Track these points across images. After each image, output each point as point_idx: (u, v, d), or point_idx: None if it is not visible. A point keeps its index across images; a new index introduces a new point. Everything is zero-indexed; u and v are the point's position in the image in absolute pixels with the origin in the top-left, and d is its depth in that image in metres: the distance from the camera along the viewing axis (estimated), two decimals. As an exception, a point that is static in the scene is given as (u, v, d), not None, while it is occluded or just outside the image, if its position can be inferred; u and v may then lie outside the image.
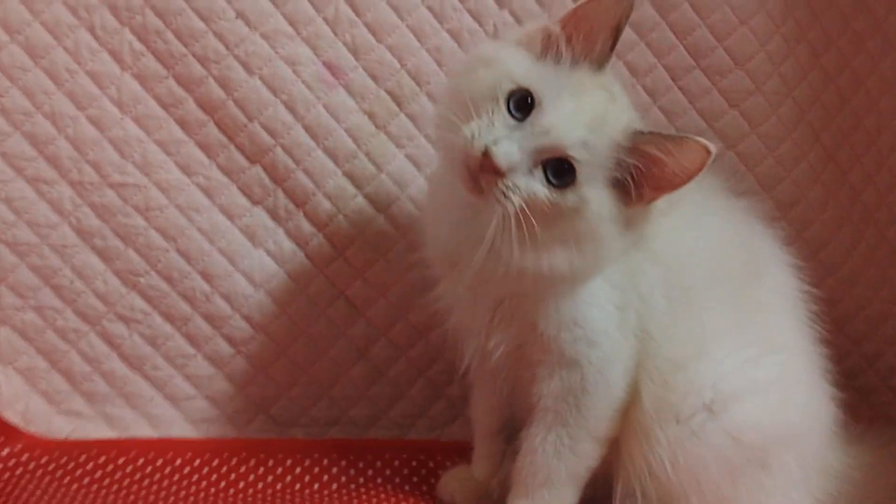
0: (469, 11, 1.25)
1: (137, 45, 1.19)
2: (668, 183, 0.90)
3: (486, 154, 0.86)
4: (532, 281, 0.93)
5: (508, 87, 0.90)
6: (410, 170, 1.25)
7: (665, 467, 0.98)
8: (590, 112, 0.90)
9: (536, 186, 0.88)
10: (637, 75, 1.29)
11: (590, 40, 0.92)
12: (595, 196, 0.89)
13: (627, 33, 1.27)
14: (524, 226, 0.87)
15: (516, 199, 0.88)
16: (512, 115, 0.89)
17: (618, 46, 1.18)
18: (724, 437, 0.98)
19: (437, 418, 1.31)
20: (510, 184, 0.88)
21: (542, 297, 0.96)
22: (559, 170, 0.89)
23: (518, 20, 1.25)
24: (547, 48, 0.93)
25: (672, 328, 1.00)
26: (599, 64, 0.93)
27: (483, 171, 0.87)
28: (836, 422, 1.11)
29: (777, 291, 1.08)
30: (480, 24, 1.25)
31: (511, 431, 1.11)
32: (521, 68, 0.91)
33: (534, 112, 0.89)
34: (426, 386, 1.31)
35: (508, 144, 0.87)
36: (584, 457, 1.01)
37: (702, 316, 1.00)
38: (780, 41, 1.30)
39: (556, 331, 0.98)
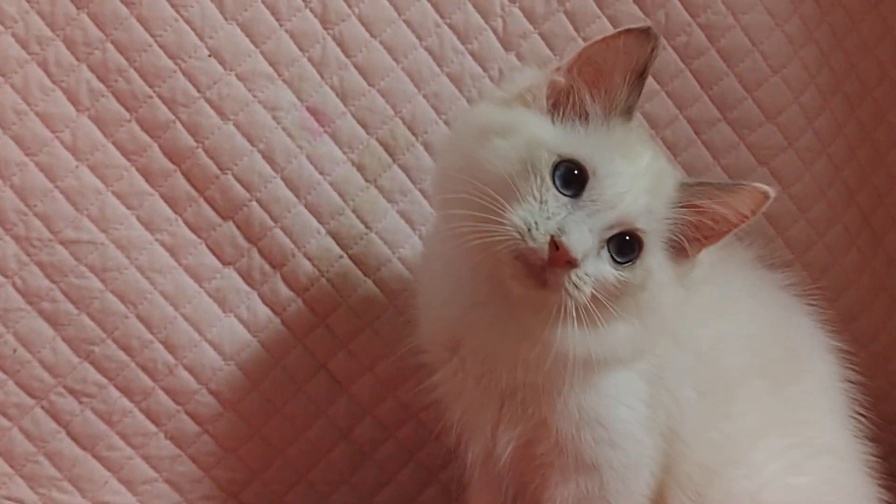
0: (472, 54, 1.14)
1: (96, 84, 1.07)
2: (721, 231, 0.83)
3: (558, 244, 0.75)
4: (567, 368, 0.80)
5: (551, 159, 0.78)
6: (403, 228, 1.14)
7: (698, 590, 0.86)
8: (647, 174, 0.80)
9: (606, 269, 0.78)
10: (656, 127, 1.19)
11: (609, 91, 0.81)
12: (657, 264, 0.81)
13: (647, 81, 1.15)
14: (591, 313, 0.77)
15: (587, 289, 0.77)
16: (562, 193, 0.77)
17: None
18: None
19: None
20: (583, 274, 0.77)
21: (562, 389, 0.84)
22: (622, 245, 0.79)
23: (527, 64, 1.12)
24: (558, 103, 0.81)
25: (704, 426, 0.89)
26: (627, 116, 0.81)
27: (553, 266, 0.75)
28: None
29: (822, 384, 0.97)
30: (484, 69, 1.14)
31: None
32: (554, 134, 0.80)
33: (588, 185, 0.77)
34: (417, 470, 1.18)
35: (579, 230, 0.75)
36: (600, 581, 0.88)
37: (735, 412, 0.90)
38: (815, 92, 1.21)
39: (575, 429, 0.86)
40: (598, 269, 0.77)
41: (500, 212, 0.76)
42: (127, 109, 1.08)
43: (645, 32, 0.78)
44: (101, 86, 1.07)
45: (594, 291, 0.77)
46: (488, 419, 0.88)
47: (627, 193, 0.78)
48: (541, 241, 0.75)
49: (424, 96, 1.13)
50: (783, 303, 0.98)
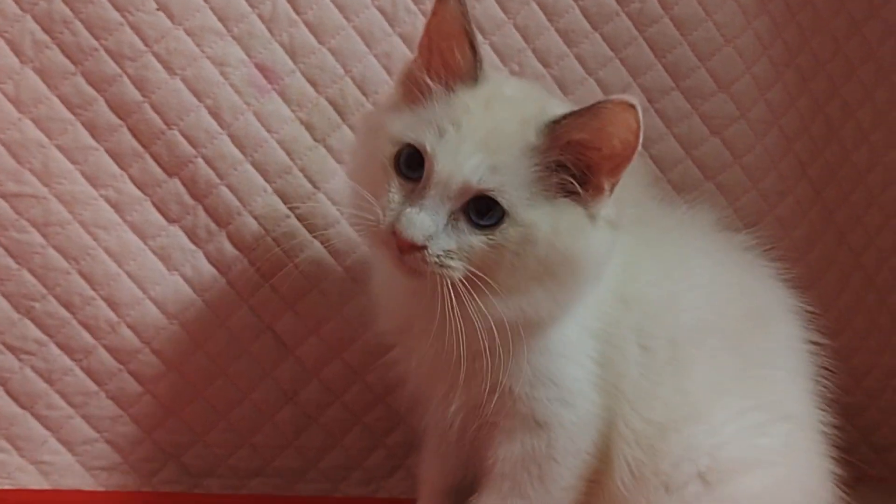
0: (424, 14, 1.14)
1: (41, 36, 1.07)
2: (610, 159, 0.80)
3: (398, 234, 0.77)
4: (510, 332, 0.82)
5: (394, 149, 0.81)
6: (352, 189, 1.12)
7: (652, 543, 0.88)
8: (478, 134, 0.79)
9: (468, 238, 0.79)
10: (609, 92, 1.20)
11: (449, 61, 0.83)
12: (539, 215, 0.80)
13: (600, 47, 1.20)
14: (481, 282, 0.78)
15: (456, 263, 0.78)
16: (408, 178, 0.80)
17: (589, 62, 1.12)
18: None
19: (374, 470, 1.20)
20: (438, 251, 0.78)
21: (513, 353, 0.84)
22: (482, 208, 0.79)
23: (479, 27, 1.13)
24: (414, 89, 0.84)
25: (652, 384, 0.90)
26: (473, 77, 0.83)
27: (403, 252, 0.78)
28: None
29: (784, 342, 0.98)
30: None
31: (460, 495, 1.00)
32: (399, 124, 0.82)
33: (426, 165, 0.79)
34: (362, 434, 1.20)
35: (410, 213, 0.78)
36: (542, 533, 0.90)
37: (691, 371, 0.91)
38: (768, 64, 1.23)
39: (529, 389, 0.87)
40: (458, 240, 0.78)
41: (367, 210, 0.80)
42: (72, 62, 1.08)
43: None
44: (46, 37, 1.07)
45: (468, 263, 0.78)
46: (442, 387, 0.90)
47: (456, 161, 0.78)
48: (386, 233, 0.78)
49: (375, 56, 1.14)
50: (744, 263, 1.00)
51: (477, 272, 0.78)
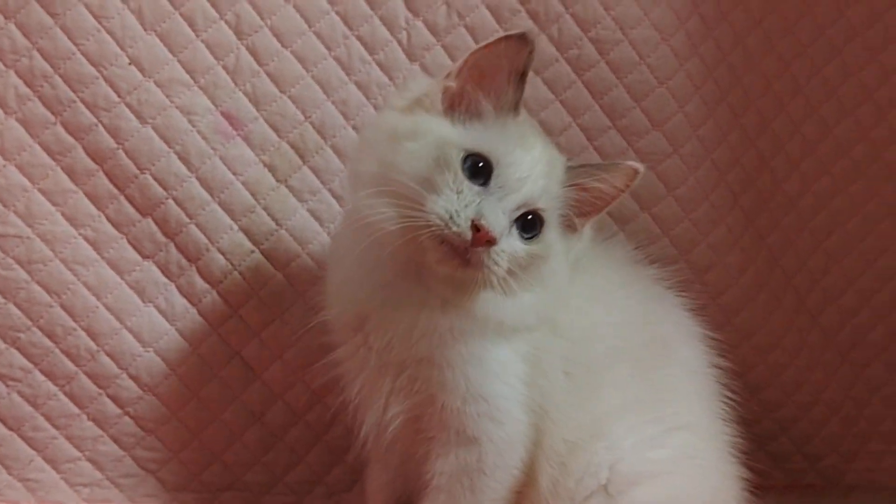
0: (378, 64, 1.26)
1: (23, 89, 1.18)
2: (601, 205, 1.00)
3: (478, 227, 0.88)
4: (467, 339, 0.95)
5: (459, 154, 0.92)
6: (312, 226, 1.26)
7: (560, 555, 0.98)
8: (542, 160, 0.95)
9: (517, 245, 0.93)
10: (551, 134, 1.29)
11: (496, 91, 0.96)
12: (555, 237, 0.97)
13: (542, 91, 1.30)
14: (507, 283, 0.92)
15: (504, 263, 0.91)
16: (472, 183, 0.91)
17: (531, 104, 1.24)
18: None
19: (334, 485, 1.31)
20: (500, 250, 0.91)
21: (454, 365, 0.97)
22: (527, 223, 0.94)
23: (430, 74, 1.24)
24: (455, 106, 0.96)
25: (571, 406, 1.01)
26: (516, 111, 0.96)
27: (476, 246, 0.89)
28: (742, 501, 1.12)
29: (686, 367, 1.09)
30: (390, 78, 1.26)
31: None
32: (456, 134, 0.94)
33: (494, 174, 0.92)
34: (324, 451, 1.31)
35: (494, 213, 0.90)
36: (476, 541, 1.01)
37: (601, 393, 1.02)
38: (700, 102, 1.33)
39: (461, 402, 0.98)
40: (511, 245, 0.93)
41: (422, 203, 0.90)
42: (52, 113, 1.19)
43: (522, 37, 0.94)
44: (28, 90, 1.18)
45: (509, 265, 0.92)
46: (382, 392, 1.01)
47: (528, 178, 0.93)
48: (464, 225, 0.89)
49: (333, 103, 1.25)
50: (654, 294, 1.11)
51: (510, 273, 0.92)
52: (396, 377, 0.99)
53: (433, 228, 0.89)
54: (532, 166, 0.93)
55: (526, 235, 0.93)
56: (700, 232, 1.35)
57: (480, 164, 0.92)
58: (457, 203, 0.89)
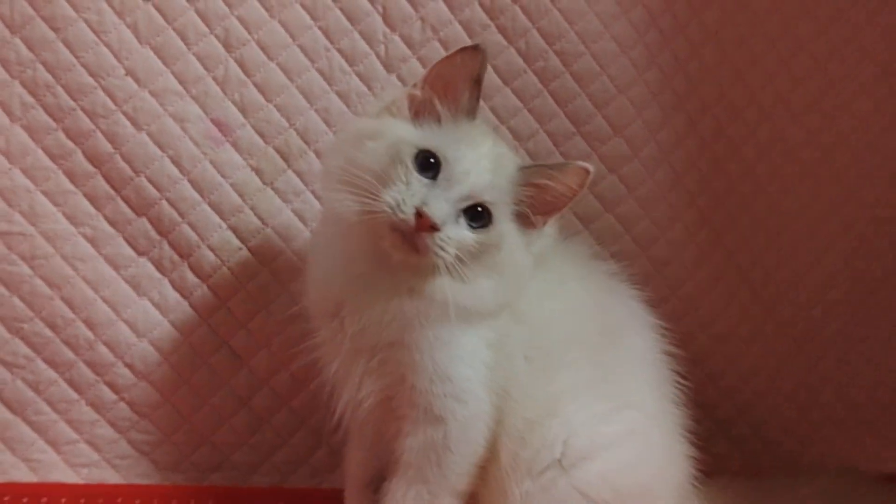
0: (358, 75, 1.36)
1: (27, 98, 1.28)
2: (557, 204, 1.08)
3: (421, 214, 0.99)
4: (433, 324, 1.05)
5: (411, 151, 1.03)
6: (296, 224, 1.35)
7: (519, 523, 1.08)
8: (488, 157, 1.05)
9: (464, 233, 1.02)
10: (520, 140, 1.41)
11: (454, 96, 1.07)
12: (507, 229, 1.06)
13: (511, 99, 1.40)
14: (457, 268, 1.01)
15: (451, 249, 1.01)
16: (422, 176, 1.02)
17: (501, 112, 1.33)
18: (573, 492, 1.08)
19: (318, 466, 1.41)
20: (444, 237, 1.01)
21: (422, 349, 1.07)
22: (475, 214, 1.03)
23: (406, 85, 1.33)
24: (419, 111, 1.07)
25: (530, 387, 1.11)
26: (471, 114, 1.07)
27: (420, 231, 0.99)
28: (692, 478, 1.22)
29: (636, 353, 1.19)
30: (369, 88, 1.35)
31: (379, 484, 1.19)
32: (412, 133, 1.05)
33: (442, 169, 1.03)
34: (308, 434, 1.41)
35: (437, 201, 1.00)
36: (443, 512, 1.11)
37: (557, 376, 1.12)
38: (657, 110, 1.43)
39: (428, 383, 1.08)
40: (457, 233, 1.02)
41: (376, 194, 1.00)
42: (54, 120, 1.29)
43: (476, 48, 1.05)
44: (32, 99, 1.28)
45: (457, 251, 1.02)
46: (356, 373, 1.11)
47: (472, 172, 1.03)
48: (409, 212, 0.99)
49: (316, 111, 1.35)
50: (609, 287, 1.21)
51: (459, 261, 1.02)
52: (369, 359, 1.08)
53: (384, 215, 1.00)
54: (477, 162, 1.03)
55: (474, 225, 1.03)
56: (659, 230, 1.46)
57: (431, 160, 1.02)
58: (405, 193, 1.00)
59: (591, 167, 1.06)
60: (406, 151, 1.02)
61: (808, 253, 1.56)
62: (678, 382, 1.24)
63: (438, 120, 1.06)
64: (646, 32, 1.41)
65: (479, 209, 1.04)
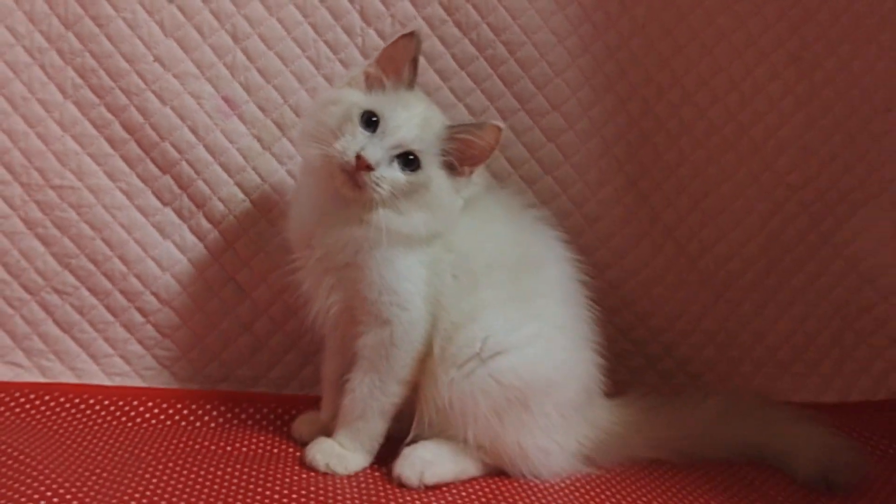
0: (340, 62, 1.68)
1: (78, 80, 1.62)
2: (479, 156, 1.37)
3: (360, 157, 1.30)
4: (379, 247, 1.34)
5: (358, 111, 1.34)
6: (289, 182, 1.67)
7: (446, 402, 1.38)
8: (417, 116, 1.36)
9: (396, 174, 1.33)
10: (474, 114, 1.71)
11: (398, 72, 1.38)
12: (435, 174, 1.35)
13: (466, 81, 1.71)
14: (393, 203, 1.32)
15: (386, 185, 1.32)
16: (365, 130, 1.33)
17: (458, 92, 1.65)
18: (489, 379, 1.37)
19: (305, 379, 1.71)
20: (379, 175, 1.32)
21: (371, 267, 1.37)
22: (407, 160, 1.33)
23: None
24: (371, 83, 1.39)
25: (457, 299, 1.40)
26: (410, 86, 1.39)
27: (358, 170, 1.31)
28: (597, 381, 1.52)
29: (550, 279, 1.48)
30: (348, 71, 1.66)
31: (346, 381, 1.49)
32: (362, 98, 1.37)
33: (380, 125, 1.34)
34: (298, 355, 1.71)
35: (372, 147, 1.32)
36: (391, 395, 1.41)
37: (479, 292, 1.41)
38: (589, 90, 1.72)
39: (377, 294, 1.38)
40: (390, 173, 1.33)
41: (331, 143, 1.32)
42: (98, 97, 1.62)
43: (412, 35, 1.37)
44: (81, 81, 1.62)
45: (391, 189, 1.32)
46: (324, 288, 1.41)
47: (403, 127, 1.34)
48: (351, 155, 1.31)
49: (306, 90, 1.67)
50: (530, 227, 1.50)
51: (393, 197, 1.32)
52: (333, 277, 1.39)
53: (335, 159, 1.32)
54: (409, 119, 1.33)
55: (406, 169, 1.34)
56: (591, 191, 1.75)
57: (373, 118, 1.34)
58: (350, 142, 1.32)
59: (503, 124, 1.36)
60: (355, 112, 1.34)
61: (729, 214, 1.83)
62: (591, 305, 1.53)
63: (384, 89, 1.38)
64: (580, 25, 1.71)
65: (411, 157, 1.34)
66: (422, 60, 1.63)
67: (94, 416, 1.57)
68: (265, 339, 1.70)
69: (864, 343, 1.91)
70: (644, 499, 1.40)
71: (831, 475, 1.49)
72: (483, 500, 1.36)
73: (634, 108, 1.77)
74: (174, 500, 1.26)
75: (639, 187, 1.79)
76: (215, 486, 1.31)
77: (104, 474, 1.31)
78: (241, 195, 1.67)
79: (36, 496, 1.22)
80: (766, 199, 1.84)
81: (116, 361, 1.67)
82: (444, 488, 1.38)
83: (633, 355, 1.83)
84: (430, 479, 1.37)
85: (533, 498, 1.38)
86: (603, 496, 1.41)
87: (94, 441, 1.46)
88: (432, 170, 1.36)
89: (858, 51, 1.83)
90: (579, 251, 1.59)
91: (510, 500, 1.36)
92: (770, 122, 1.82)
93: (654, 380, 1.83)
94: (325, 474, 1.39)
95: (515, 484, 1.42)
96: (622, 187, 1.77)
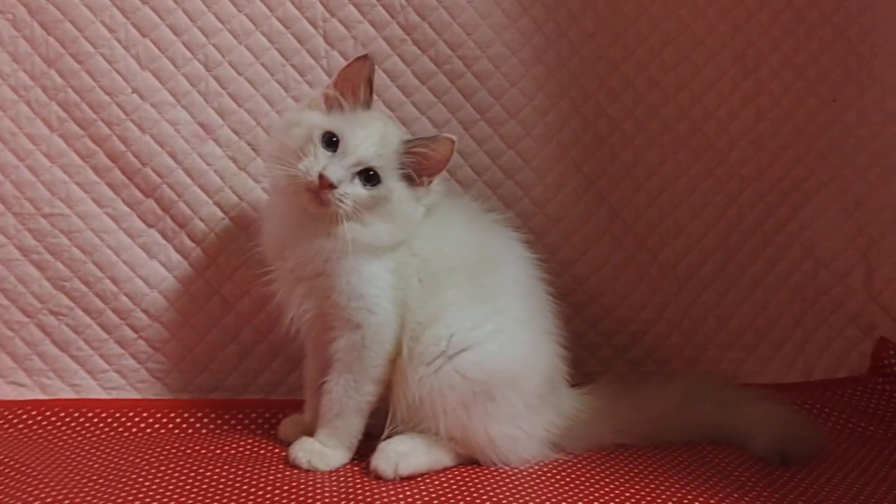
0: (307, 83, 1.78)
1: (62, 114, 1.73)
2: (436, 167, 1.46)
3: (322, 176, 1.40)
4: (346, 257, 1.43)
5: (319, 132, 1.44)
6: (265, 199, 1.77)
7: (417, 398, 1.48)
8: (374, 134, 1.45)
9: (358, 189, 1.43)
10: (437, 126, 1.81)
11: (355, 92, 1.48)
12: (394, 187, 1.44)
13: (427, 95, 1.81)
14: (357, 216, 1.42)
15: (349, 201, 1.42)
16: (326, 150, 1.43)
17: (420, 106, 1.75)
18: (455, 375, 1.47)
19: (292, 384, 1.80)
20: (341, 192, 1.42)
21: (340, 275, 1.46)
22: (367, 176, 1.43)
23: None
24: (330, 104, 1.48)
25: (423, 301, 1.50)
26: (367, 105, 1.49)
27: (322, 189, 1.40)
28: (560, 371, 1.61)
29: (509, 277, 1.57)
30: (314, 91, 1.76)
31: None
32: (322, 120, 1.46)
33: (340, 145, 1.43)
34: (284, 361, 1.81)
35: (333, 167, 1.41)
36: (365, 394, 1.51)
37: (443, 292, 1.50)
38: (544, 97, 1.83)
39: (347, 300, 1.48)
40: (352, 189, 1.43)
41: (295, 165, 1.42)
42: (81, 129, 1.73)
43: (366, 58, 1.47)
44: (65, 114, 1.72)
45: (354, 203, 1.41)
46: (297, 296, 1.51)
47: (361, 146, 1.43)
48: (314, 175, 1.41)
49: (276, 112, 1.77)
50: (489, 229, 1.60)
51: (356, 211, 1.42)
52: (305, 285, 1.49)
53: (300, 179, 1.41)
54: (366, 138, 1.43)
55: (367, 184, 1.43)
56: (551, 192, 1.85)
57: (333, 139, 1.43)
58: (313, 163, 1.41)
59: (454, 137, 1.46)
60: (316, 133, 1.44)
61: (686, 208, 1.93)
62: (555, 300, 1.63)
63: (342, 110, 1.47)
64: (532, 37, 1.82)
65: (371, 172, 1.44)
66: (384, 77, 1.76)
67: (92, 429, 1.68)
68: (251, 347, 1.80)
69: (823, 323, 2.01)
70: (610, 481, 1.48)
71: (786, 449, 1.57)
72: (455, 487, 1.45)
73: (589, 112, 1.87)
74: (170, 499, 1.36)
75: (597, 186, 1.89)
76: (207, 487, 1.41)
77: (102, 481, 1.42)
78: (220, 213, 1.77)
79: None
80: (722, 191, 1.94)
81: (112, 376, 1.78)
82: (419, 479, 1.48)
83: (601, 346, 1.93)
84: (405, 470, 1.46)
85: (503, 483, 1.47)
86: (570, 480, 1.49)
87: (94, 451, 1.57)
88: (392, 183, 1.45)
89: (801, 45, 1.94)
90: (544, 249, 1.73)
91: (481, 486, 1.45)
92: (721, 117, 1.92)
93: (624, 369, 1.93)
94: (307, 471, 1.47)
95: (486, 471, 1.51)
96: (581, 187, 1.87)
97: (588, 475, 1.51)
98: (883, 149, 1.98)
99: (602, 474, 1.51)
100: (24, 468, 1.45)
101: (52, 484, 1.39)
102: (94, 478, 1.43)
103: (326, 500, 1.36)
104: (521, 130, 1.83)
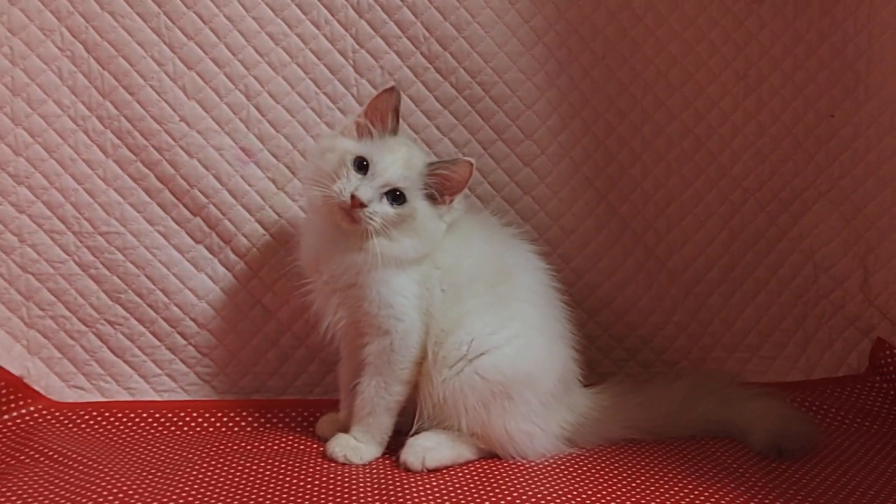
0: (340, 110, 1.93)
1: (116, 141, 1.88)
2: (456, 187, 1.59)
3: (354, 197, 1.54)
4: (376, 269, 1.57)
5: (351, 157, 1.59)
6: (302, 216, 1.92)
7: (441, 398, 1.61)
8: (401, 159, 1.59)
9: (386, 208, 1.56)
10: (458, 146, 1.95)
11: (383, 120, 1.62)
12: (419, 205, 1.57)
13: (449, 119, 1.94)
14: (385, 232, 1.55)
15: (378, 218, 1.56)
16: (357, 173, 1.58)
17: (443, 129, 1.90)
18: (475, 376, 1.60)
19: (328, 385, 1.94)
20: (371, 211, 1.56)
21: (370, 286, 1.61)
22: (394, 196, 1.57)
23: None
24: (361, 132, 1.63)
25: (445, 309, 1.64)
26: (394, 132, 1.63)
27: (353, 208, 1.55)
28: (573, 372, 1.74)
29: (525, 286, 1.70)
30: (346, 118, 1.92)
31: (358, 386, 1.74)
32: (354, 146, 1.61)
33: (370, 168, 1.58)
34: (320, 364, 1.96)
35: (364, 188, 1.56)
36: (394, 394, 1.65)
37: (463, 301, 1.64)
38: (557, 119, 1.96)
39: (377, 309, 1.62)
40: (381, 208, 1.57)
41: (330, 186, 1.56)
42: (134, 154, 1.89)
43: (392, 89, 1.61)
44: (119, 141, 1.88)
45: (383, 221, 1.55)
46: (332, 305, 1.65)
47: (389, 169, 1.57)
48: (347, 196, 1.55)
49: (312, 137, 1.92)
50: (506, 243, 1.73)
51: (385, 227, 1.55)
52: (339, 296, 1.63)
53: (334, 199, 1.56)
54: (393, 162, 1.56)
55: (394, 203, 1.57)
56: (565, 206, 1.98)
57: (364, 163, 1.58)
58: (345, 184, 1.55)
59: (473, 160, 1.59)
60: (348, 158, 1.59)
61: (692, 218, 2.05)
62: (569, 306, 1.76)
63: (371, 137, 1.62)
64: (545, 63, 1.95)
65: (398, 193, 1.58)
66: (409, 102, 1.90)
67: (147, 427, 1.83)
68: (290, 352, 1.95)
69: (824, 325, 2.12)
70: (618, 473, 1.59)
71: (783, 443, 1.68)
72: (477, 479, 1.58)
73: (599, 131, 2.00)
74: (218, 491, 1.50)
75: (608, 200, 2.02)
76: (252, 479, 1.55)
77: (159, 474, 1.56)
78: (261, 230, 1.92)
79: (101, 500, 1.46)
80: (726, 202, 2.07)
81: (164, 380, 1.93)
82: (444, 471, 1.60)
83: (614, 349, 2.06)
84: (431, 463, 1.60)
85: (520, 475, 1.59)
86: (582, 473, 1.59)
87: (148, 448, 1.71)
88: (417, 202, 1.59)
89: (800, 64, 2.05)
90: (558, 259, 1.88)
91: (501, 478, 1.58)
92: (724, 134, 2.05)
93: (636, 369, 2.05)
94: (343, 464, 1.61)
95: (505, 464, 1.63)
96: (593, 201, 2.00)
97: (599, 468, 1.61)
98: (878, 160, 2.09)
99: (612, 467, 1.61)
100: (85, 464, 1.59)
101: (109, 478, 1.53)
102: (149, 472, 1.57)
103: (361, 491, 1.50)
104: (535, 149, 1.96)
